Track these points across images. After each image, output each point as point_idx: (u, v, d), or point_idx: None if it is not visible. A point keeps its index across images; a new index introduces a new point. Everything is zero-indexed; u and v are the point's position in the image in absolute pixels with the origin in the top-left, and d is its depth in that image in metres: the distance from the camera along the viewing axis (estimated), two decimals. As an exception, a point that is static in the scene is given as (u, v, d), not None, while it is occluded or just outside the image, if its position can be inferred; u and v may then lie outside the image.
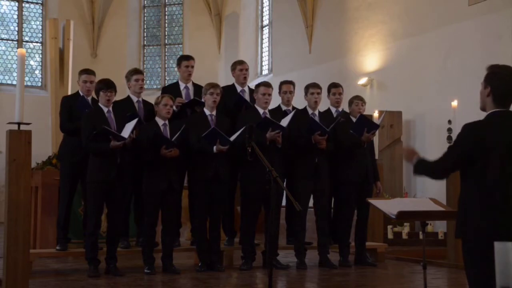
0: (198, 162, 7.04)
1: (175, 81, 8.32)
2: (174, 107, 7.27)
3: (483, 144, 3.35)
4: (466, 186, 3.45)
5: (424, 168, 3.57)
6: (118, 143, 6.51)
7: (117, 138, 6.53)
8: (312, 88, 7.52)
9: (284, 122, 7.10)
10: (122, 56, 17.93)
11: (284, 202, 7.47)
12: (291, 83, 7.71)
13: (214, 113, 7.13)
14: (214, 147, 6.85)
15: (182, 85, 7.69)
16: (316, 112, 7.55)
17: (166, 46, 18.67)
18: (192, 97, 7.57)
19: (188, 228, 8.44)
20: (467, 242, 3.40)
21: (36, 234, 8.06)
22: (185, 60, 7.74)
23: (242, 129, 6.73)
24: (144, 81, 7.64)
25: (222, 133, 6.80)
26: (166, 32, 18.73)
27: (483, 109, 3.51)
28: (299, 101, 7.93)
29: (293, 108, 7.67)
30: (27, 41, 17.63)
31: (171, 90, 7.59)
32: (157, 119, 6.98)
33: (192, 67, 7.71)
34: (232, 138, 6.84)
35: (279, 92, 7.71)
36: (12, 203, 5.63)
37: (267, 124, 7.03)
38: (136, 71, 7.59)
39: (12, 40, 17.55)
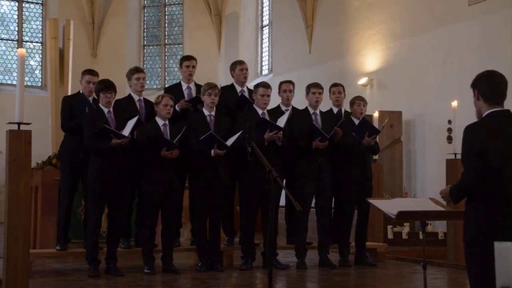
0: (198, 162, 7.05)
1: (175, 81, 8.31)
2: (178, 108, 7.28)
3: (483, 145, 3.36)
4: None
5: (458, 190, 3.49)
6: (119, 140, 6.51)
7: (118, 136, 6.53)
8: (313, 88, 7.52)
9: (281, 122, 7.09)
10: (122, 56, 17.92)
11: (284, 202, 7.47)
12: (290, 82, 7.73)
13: (213, 113, 7.13)
14: (212, 151, 6.85)
15: (184, 86, 7.69)
16: (318, 112, 7.56)
17: (166, 46, 18.67)
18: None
19: (188, 228, 8.45)
20: (470, 243, 3.40)
21: (36, 234, 8.05)
22: (186, 60, 7.74)
23: (239, 133, 6.75)
24: (145, 80, 7.63)
25: (219, 138, 6.80)
26: (166, 32, 18.73)
27: (479, 116, 3.52)
28: (299, 101, 7.92)
29: (293, 108, 7.67)
30: (27, 41, 17.62)
31: (174, 90, 7.59)
32: (157, 119, 6.98)
33: (194, 67, 7.70)
34: (229, 142, 6.84)
35: (279, 92, 7.72)
36: (12, 203, 5.63)
37: (265, 125, 7.03)
38: (137, 70, 7.59)
39: (12, 40, 17.54)
